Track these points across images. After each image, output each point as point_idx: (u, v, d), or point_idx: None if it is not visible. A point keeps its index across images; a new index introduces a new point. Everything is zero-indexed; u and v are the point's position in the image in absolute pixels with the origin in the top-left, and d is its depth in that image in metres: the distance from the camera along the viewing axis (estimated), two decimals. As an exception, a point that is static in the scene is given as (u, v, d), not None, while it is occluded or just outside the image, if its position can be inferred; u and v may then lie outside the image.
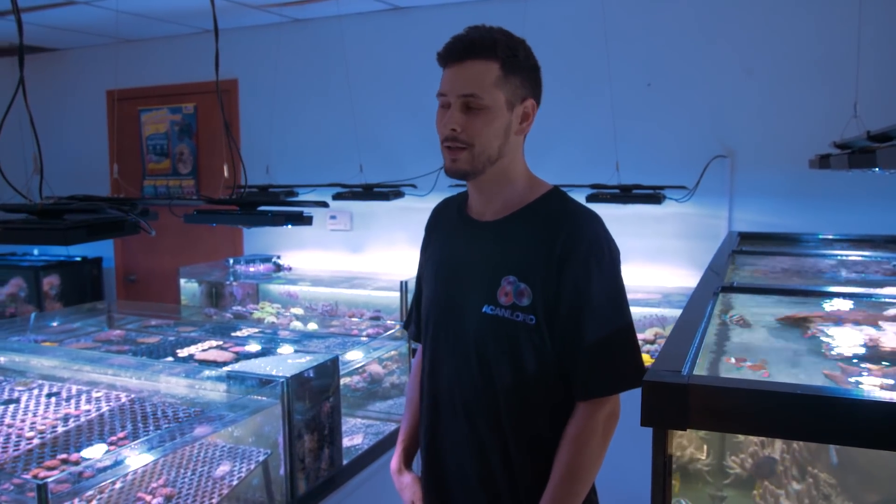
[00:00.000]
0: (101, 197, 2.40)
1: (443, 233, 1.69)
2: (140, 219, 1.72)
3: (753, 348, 1.54)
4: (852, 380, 1.26)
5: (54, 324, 3.39)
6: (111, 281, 5.35)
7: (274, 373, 2.14)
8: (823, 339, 1.56)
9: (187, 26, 4.66)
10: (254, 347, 2.78)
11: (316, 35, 4.57)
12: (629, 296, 3.79)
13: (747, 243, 2.86)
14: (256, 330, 3.19)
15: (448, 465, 1.59)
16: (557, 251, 1.45)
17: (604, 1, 3.77)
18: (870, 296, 1.80)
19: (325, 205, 2.45)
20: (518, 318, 1.46)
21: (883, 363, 1.38)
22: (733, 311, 1.74)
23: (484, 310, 1.49)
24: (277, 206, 2.45)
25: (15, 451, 1.88)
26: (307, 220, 2.44)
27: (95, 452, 1.80)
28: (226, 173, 2.46)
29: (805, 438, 0.94)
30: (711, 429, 0.87)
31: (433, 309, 1.62)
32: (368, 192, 4.09)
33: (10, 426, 2.02)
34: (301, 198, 4.43)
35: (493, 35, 1.47)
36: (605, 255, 1.48)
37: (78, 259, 5.17)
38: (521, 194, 1.55)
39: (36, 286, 4.86)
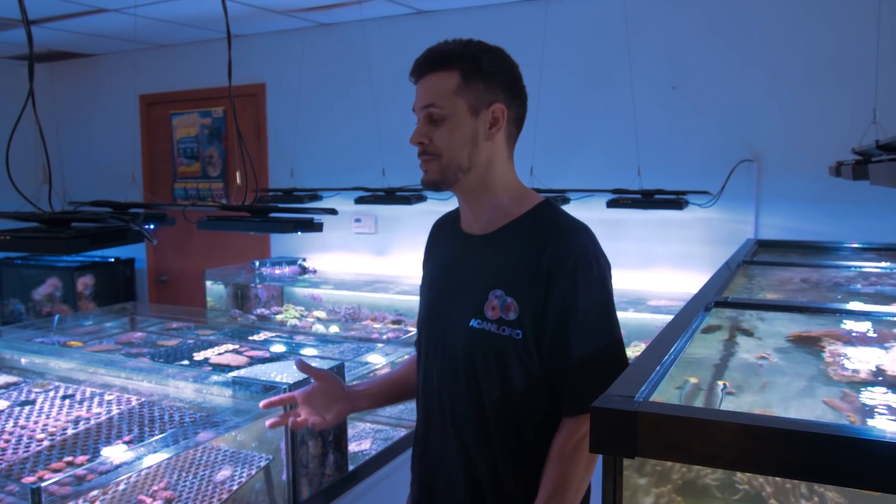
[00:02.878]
0: (114, 202, 2.46)
1: (439, 248, 1.69)
2: (142, 228, 1.75)
3: (755, 369, 1.48)
4: (850, 415, 1.21)
5: (86, 323, 3.49)
6: (143, 282, 5.47)
7: (279, 379, 2.17)
8: (831, 360, 1.49)
9: (216, 31, 4.74)
10: (269, 352, 2.81)
11: (340, 39, 4.61)
12: (651, 302, 3.67)
13: (764, 252, 2.77)
14: (274, 334, 3.23)
15: (438, 476, 1.60)
16: (545, 265, 1.44)
17: (626, 2, 3.71)
18: (887, 313, 1.71)
19: (333, 212, 2.46)
20: (504, 333, 1.45)
21: (887, 388, 1.32)
22: (737, 329, 1.69)
23: (471, 324, 1.49)
24: (289, 213, 2.46)
25: (25, 452, 1.94)
26: (317, 227, 2.45)
27: (101, 456, 1.84)
28: (238, 180, 2.49)
29: (758, 472, 0.90)
30: (662, 458, 0.84)
31: (425, 323, 1.63)
32: (391, 196, 4.11)
33: (22, 427, 2.08)
34: (325, 201, 4.47)
35: (449, 47, 1.51)
36: (594, 269, 1.46)
37: (111, 260, 5.30)
38: (509, 207, 1.53)
39: (71, 286, 5.00)
